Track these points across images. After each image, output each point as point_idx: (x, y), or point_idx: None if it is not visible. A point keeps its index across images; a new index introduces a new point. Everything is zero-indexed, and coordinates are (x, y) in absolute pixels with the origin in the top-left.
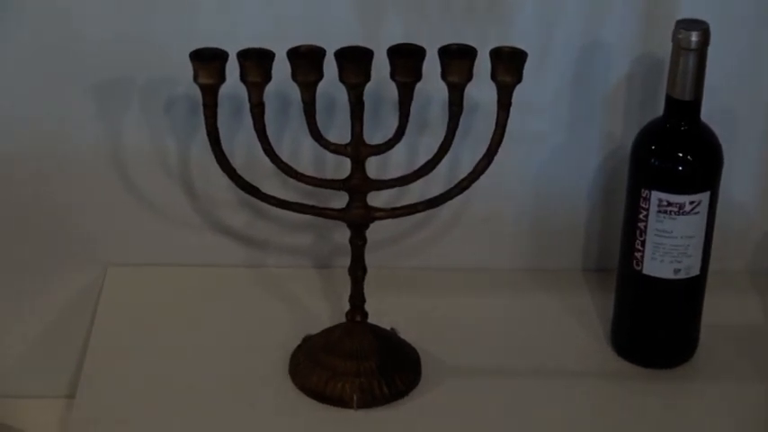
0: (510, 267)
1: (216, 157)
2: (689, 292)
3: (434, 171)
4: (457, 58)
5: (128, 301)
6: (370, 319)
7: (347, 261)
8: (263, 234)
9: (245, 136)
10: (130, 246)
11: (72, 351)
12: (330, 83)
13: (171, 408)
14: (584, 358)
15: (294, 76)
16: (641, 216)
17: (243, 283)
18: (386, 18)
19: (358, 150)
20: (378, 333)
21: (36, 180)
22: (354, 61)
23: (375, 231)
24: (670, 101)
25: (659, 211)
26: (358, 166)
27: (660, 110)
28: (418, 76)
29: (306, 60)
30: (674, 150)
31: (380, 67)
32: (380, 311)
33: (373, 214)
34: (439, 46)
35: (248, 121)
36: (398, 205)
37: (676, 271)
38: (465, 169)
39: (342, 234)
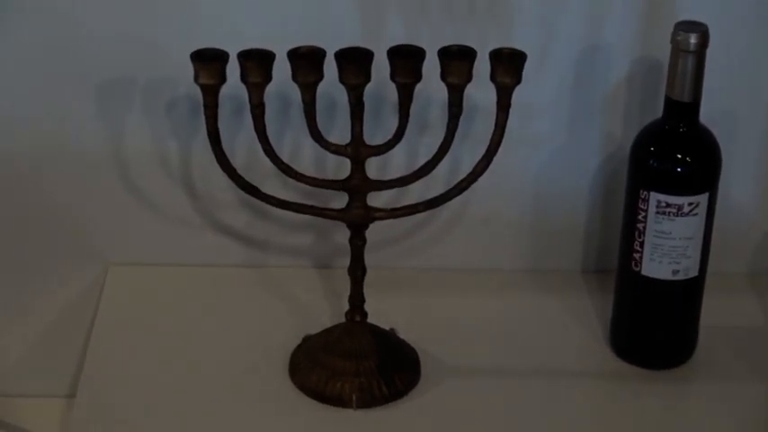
0: (509, 268)
1: (216, 157)
2: (687, 294)
3: (434, 172)
4: (457, 60)
5: (128, 300)
6: (370, 320)
7: (347, 261)
8: (263, 234)
9: (245, 136)
10: (131, 245)
11: (72, 351)
12: (330, 84)
13: (171, 407)
14: (583, 359)
15: (294, 77)
16: (640, 217)
17: (243, 282)
18: (386, 19)
19: (358, 151)
20: (377, 333)
21: (37, 180)
22: (354, 62)
23: (375, 232)
24: (669, 102)
25: (658, 213)
26: (358, 166)
27: (659, 111)
28: (418, 77)
29: (306, 61)
30: (673, 152)
31: (381, 67)
32: (380, 311)
33: (373, 215)
34: (439, 47)
35: (249, 121)
36: (398, 206)
37: (675, 272)
38: (465, 170)
39: (342, 234)
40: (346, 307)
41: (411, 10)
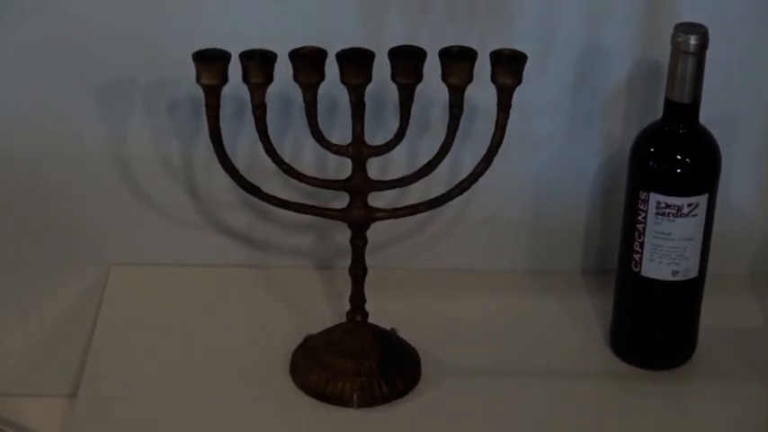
0: (510, 268)
1: (218, 157)
2: (687, 294)
3: (435, 172)
4: (457, 61)
5: (130, 300)
6: (371, 320)
7: (348, 262)
8: (264, 235)
9: (247, 137)
10: (133, 246)
11: (74, 350)
12: (332, 84)
13: (172, 407)
14: (583, 359)
15: (296, 78)
16: (640, 218)
17: (244, 283)
18: (387, 20)
19: (359, 151)
20: (378, 333)
21: (37, 180)
22: (356, 63)
23: (376, 232)
24: (669, 104)
25: (658, 214)
26: (359, 166)
27: (659, 112)
28: (419, 78)
29: (307, 62)
30: (673, 153)
31: (381, 68)
32: (381, 311)
33: (374, 215)
34: (440, 48)
35: (250, 121)
36: (399, 206)
37: (674, 273)
38: (466, 171)
39: (343, 235)
40: (347, 307)
41: (412, 11)
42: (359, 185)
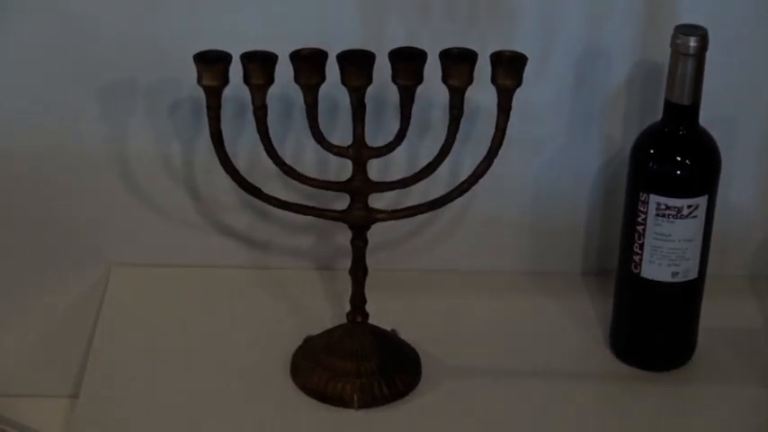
0: (510, 270)
1: (219, 158)
2: (687, 296)
3: (436, 174)
4: (458, 62)
5: (131, 301)
6: (371, 320)
7: (348, 262)
8: (265, 236)
9: (248, 138)
10: (133, 246)
11: (76, 351)
12: (332, 85)
13: (173, 407)
14: (583, 360)
15: (297, 79)
16: (640, 219)
17: (245, 284)
18: (387, 21)
19: (359, 152)
20: (378, 334)
21: (37, 180)
22: (356, 64)
23: (376, 233)
24: (669, 105)
25: (657, 215)
26: (359, 168)
27: (659, 114)
28: (419, 80)
29: (308, 63)
30: (673, 154)
31: (382, 70)
32: (381, 312)
33: (374, 216)
34: (440, 49)
35: (251, 123)
36: (399, 207)
37: (674, 274)
38: (466, 172)
39: (343, 236)
40: (347, 308)
41: (412, 12)
42: (359, 187)
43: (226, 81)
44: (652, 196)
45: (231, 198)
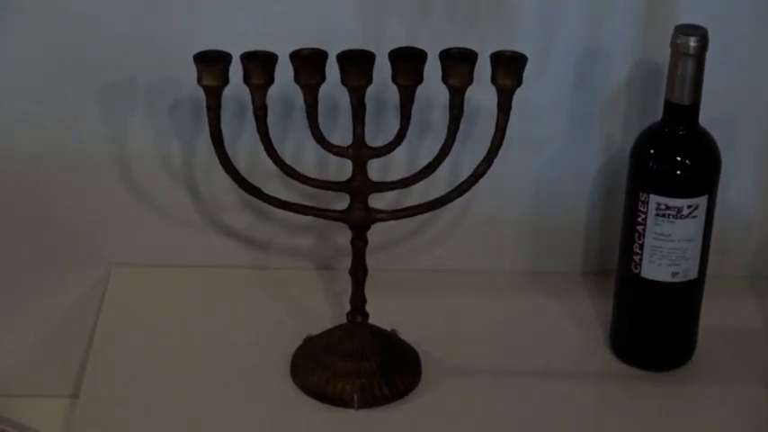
0: (510, 270)
1: (219, 158)
2: (687, 296)
3: (436, 174)
4: (458, 62)
5: (131, 301)
6: (371, 320)
7: (348, 262)
8: (265, 236)
9: (248, 138)
10: (133, 246)
11: (75, 351)
12: (332, 85)
13: (173, 407)
14: (583, 360)
15: (297, 79)
16: (640, 219)
17: (245, 284)
18: (387, 21)
19: (359, 152)
20: (378, 334)
21: (37, 180)
22: (356, 64)
23: (376, 233)
24: (669, 105)
25: (657, 215)
26: (359, 168)
27: (659, 114)
28: (419, 80)
29: (308, 63)
30: (673, 154)
31: (382, 70)
32: (381, 312)
33: (374, 216)
34: (440, 49)
35: (251, 123)
36: (399, 207)
37: (674, 274)
38: (466, 172)
39: (343, 236)
40: (347, 308)
41: (412, 12)
42: (359, 187)
43: (226, 81)
44: (652, 196)
45: (231, 198)
